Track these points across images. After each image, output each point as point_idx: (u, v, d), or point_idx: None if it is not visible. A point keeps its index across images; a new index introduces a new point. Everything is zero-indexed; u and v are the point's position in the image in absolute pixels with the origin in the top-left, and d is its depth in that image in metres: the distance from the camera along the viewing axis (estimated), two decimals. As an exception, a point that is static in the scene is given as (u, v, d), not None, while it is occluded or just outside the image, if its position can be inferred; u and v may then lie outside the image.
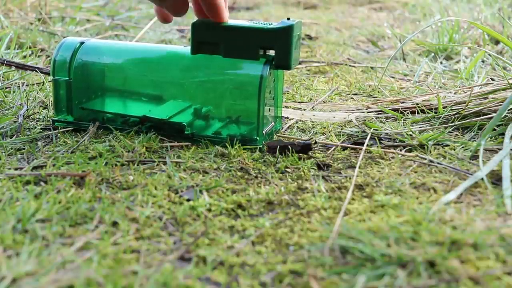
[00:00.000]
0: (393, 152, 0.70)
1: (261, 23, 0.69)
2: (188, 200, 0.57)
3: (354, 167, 0.66)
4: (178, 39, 1.51)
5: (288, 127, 0.80)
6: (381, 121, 0.82)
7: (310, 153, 0.69)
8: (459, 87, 0.97)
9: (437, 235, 0.49)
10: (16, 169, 0.63)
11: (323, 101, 0.94)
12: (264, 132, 0.71)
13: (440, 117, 0.81)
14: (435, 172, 0.64)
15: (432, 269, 0.45)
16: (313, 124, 0.82)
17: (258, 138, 0.70)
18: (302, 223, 0.53)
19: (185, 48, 0.74)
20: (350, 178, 0.63)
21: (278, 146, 0.69)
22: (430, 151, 0.70)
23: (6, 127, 0.75)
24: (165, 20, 0.73)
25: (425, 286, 0.43)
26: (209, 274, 0.45)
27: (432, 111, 0.83)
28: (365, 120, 0.82)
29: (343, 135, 0.77)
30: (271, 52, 0.70)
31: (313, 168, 0.65)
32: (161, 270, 0.44)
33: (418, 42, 1.40)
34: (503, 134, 0.70)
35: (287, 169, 0.65)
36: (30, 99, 0.87)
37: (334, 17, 1.97)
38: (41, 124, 0.78)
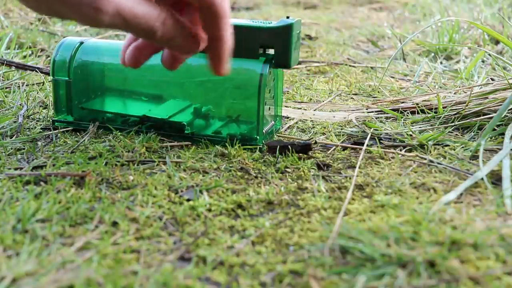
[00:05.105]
0: (393, 152, 0.70)
1: (261, 22, 0.69)
2: (188, 200, 0.57)
3: (354, 167, 0.66)
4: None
5: (288, 127, 0.80)
6: (381, 121, 0.82)
7: (310, 153, 0.69)
8: (459, 87, 0.97)
9: (437, 235, 0.49)
10: (16, 169, 0.63)
11: (322, 101, 0.94)
12: (264, 131, 0.71)
13: (440, 117, 0.81)
14: (435, 172, 0.64)
15: (432, 269, 0.45)
16: (313, 124, 0.82)
17: (258, 137, 0.70)
18: (302, 223, 0.53)
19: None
20: (350, 178, 0.63)
21: (278, 146, 0.69)
22: (430, 151, 0.70)
23: (6, 127, 0.75)
24: (173, 63, 0.58)
25: (425, 286, 0.43)
26: (209, 274, 0.45)
27: (432, 111, 0.83)
28: (365, 120, 0.82)
29: (343, 135, 0.77)
30: (271, 51, 0.70)
31: (313, 168, 0.65)
32: (161, 270, 0.44)
33: (418, 42, 1.40)
34: (503, 134, 0.70)
35: (287, 169, 0.65)
36: (30, 99, 0.87)
37: (334, 17, 1.97)
38: (41, 124, 0.78)
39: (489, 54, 1.12)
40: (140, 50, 0.57)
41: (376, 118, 0.83)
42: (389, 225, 0.51)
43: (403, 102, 0.89)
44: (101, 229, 0.51)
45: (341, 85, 1.06)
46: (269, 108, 0.73)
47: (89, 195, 0.57)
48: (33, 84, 0.95)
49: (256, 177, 0.63)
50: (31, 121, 0.79)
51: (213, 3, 0.50)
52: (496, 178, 0.61)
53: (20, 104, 0.84)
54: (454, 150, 0.70)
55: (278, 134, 0.76)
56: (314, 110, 0.88)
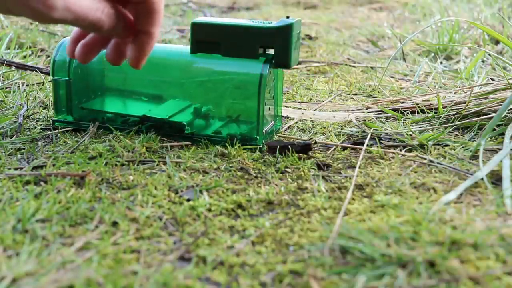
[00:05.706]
0: (393, 152, 0.70)
1: (261, 22, 0.69)
2: (188, 200, 0.57)
3: (354, 167, 0.66)
4: (178, 39, 1.51)
5: (288, 127, 0.80)
6: (381, 121, 0.82)
7: (310, 153, 0.69)
8: (459, 87, 0.97)
9: (437, 235, 0.49)
10: (16, 169, 0.63)
11: (322, 101, 0.94)
12: (264, 131, 0.71)
13: (440, 117, 0.81)
14: (435, 172, 0.64)
15: (432, 269, 0.45)
16: (313, 124, 0.82)
17: (258, 137, 0.70)
18: (302, 223, 0.53)
19: (185, 48, 0.74)
20: (350, 178, 0.63)
21: (278, 146, 0.69)
22: (430, 151, 0.70)
23: (6, 127, 0.75)
24: (117, 59, 0.58)
25: (425, 286, 0.43)
26: (209, 274, 0.45)
27: (432, 111, 0.83)
28: (365, 120, 0.82)
29: (343, 135, 0.77)
30: (271, 51, 0.70)
31: (313, 168, 0.65)
32: (161, 270, 0.44)
33: (418, 42, 1.40)
34: (503, 134, 0.70)
35: (287, 169, 0.65)
36: (30, 99, 0.87)
37: (334, 17, 1.97)
38: (41, 124, 0.78)
39: (489, 54, 1.12)
40: (89, 47, 0.58)
41: (376, 118, 0.83)
42: (389, 225, 0.51)
43: (403, 102, 0.89)
44: (101, 229, 0.51)
45: (341, 85, 1.06)
46: (269, 108, 0.73)
47: (89, 195, 0.57)
48: (33, 84, 0.95)
49: (256, 177, 0.63)
50: (31, 121, 0.79)
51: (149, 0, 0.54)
52: (496, 178, 0.61)
53: (20, 104, 0.84)
54: (454, 150, 0.70)
55: (278, 134, 0.76)
56: (314, 110, 0.88)
